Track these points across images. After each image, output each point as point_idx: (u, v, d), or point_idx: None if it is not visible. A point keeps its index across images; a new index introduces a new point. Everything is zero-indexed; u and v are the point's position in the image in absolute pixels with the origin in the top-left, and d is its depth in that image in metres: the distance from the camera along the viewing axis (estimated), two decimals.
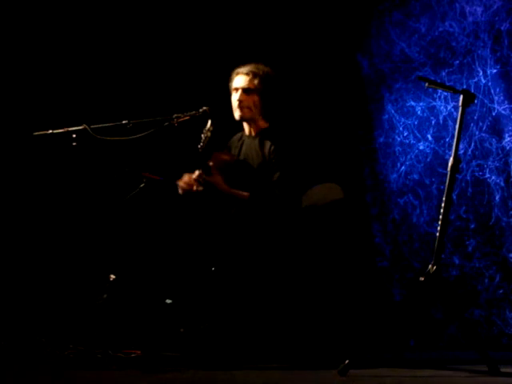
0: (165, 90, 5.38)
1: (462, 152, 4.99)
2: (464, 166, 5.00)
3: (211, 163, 4.16)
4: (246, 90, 4.26)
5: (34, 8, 5.29)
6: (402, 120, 5.32)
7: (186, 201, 4.27)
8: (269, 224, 4.11)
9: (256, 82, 4.26)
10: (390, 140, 5.37)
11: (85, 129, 4.15)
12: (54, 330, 4.46)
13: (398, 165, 5.33)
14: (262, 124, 4.33)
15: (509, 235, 4.86)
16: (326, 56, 5.45)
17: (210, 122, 4.14)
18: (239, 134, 4.46)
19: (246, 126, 4.38)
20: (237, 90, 4.28)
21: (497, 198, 4.92)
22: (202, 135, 4.14)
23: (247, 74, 4.28)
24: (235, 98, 4.28)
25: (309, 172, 4.34)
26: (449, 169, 3.64)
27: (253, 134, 4.36)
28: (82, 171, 5.16)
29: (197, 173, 4.15)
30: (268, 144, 4.25)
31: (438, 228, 3.62)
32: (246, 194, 4.17)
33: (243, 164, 4.31)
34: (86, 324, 4.28)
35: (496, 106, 4.92)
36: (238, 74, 4.31)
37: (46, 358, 3.96)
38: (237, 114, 4.30)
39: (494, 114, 4.93)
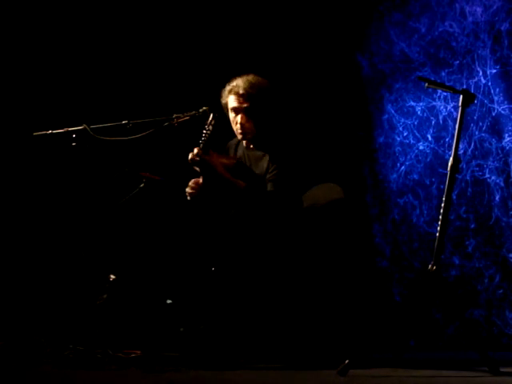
0: (165, 89, 5.38)
1: (461, 152, 4.99)
2: (464, 166, 5.00)
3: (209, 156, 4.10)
4: (246, 112, 4.14)
5: (33, 8, 5.29)
6: (402, 120, 5.32)
7: (191, 203, 4.23)
8: (269, 224, 4.10)
9: (252, 101, 4.12)
10: (390, 140, 5.37)
11: (85, 129, 4.15)
12: (53, 329, 4.46)
13: (398, 165, 5.33)
14: (261, 135, 4.27)
15: (509, 235, 4.86)
16: (325, 56, 5.45)
17: (211, 116, 4.08)
18: (236, 140, 4.39)
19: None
20: (235, 111, 4.17)
21: (497, 198, 4.92)
22: (204, 130, 4.08)
23: (238, 94, 4.14)
24: (236, 119, 4.18)
25: (308, 172, 4.32)
26: (449, 169, 3.64)
27: (251, 146, 4.31)
28: (81, 171, 5.16)
29: (195, 150, 4.05)
30: (267, 156, 4.22)
31: (438, 228, 3.62)
32: (242, 183, 4.14)
33: (242, 168, 4.28)
34: (86, 324, 4.28)
35: (496, 106, 4.92)
36: (230, 92, 4.18)
37: (46, 357, 3.96)
38: (240, 137, 4.23)
39: (493, 114, 4.93)
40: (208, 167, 4.06)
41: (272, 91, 4.21)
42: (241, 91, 4.15)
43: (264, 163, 4.21)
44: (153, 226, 4.96)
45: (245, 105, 4.15)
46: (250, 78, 4.20)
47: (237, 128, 4.20)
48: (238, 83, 4.18)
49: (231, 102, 4.19)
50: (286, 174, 4.13)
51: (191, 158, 4.06)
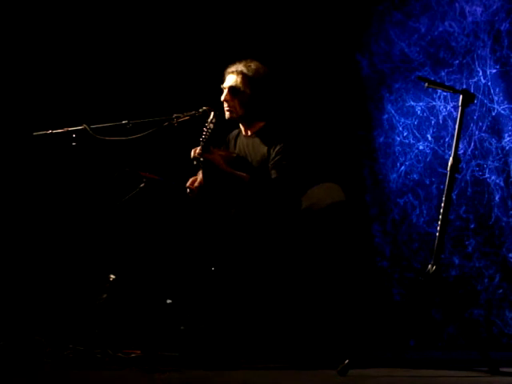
0: (165, 89, 5.38)
1: (461, 152, 4.99)
2: (464, 166, 5.00)
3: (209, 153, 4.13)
4: (231, 90, 4.21)
5: (33, 8, 5.29)
6: (402, 120, 5.32)
7: (189, 199, 4.24)
8: (269, 224, 4.10)
9: (243, 80, 4.19)
10: (390, 140, 5.37)
11: (85, 129, 4.15)
12: (53, 329, 4.46)
13: (398, 165, 5.33)
14: (258, 123, 4.30)
15: (508, 235, 4.86)
16: (325, 56, 5.45)
17: (212, 114, 4.11)
18: (236, 132, 4.43)
19: (241, 125, 4.37)
20: (224, 88, 4.25)
21: (496, 197, 4.92)
22: (204, 128, 4.10)
23: (233, 72, 4.23)
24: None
25: (308, 168, 4.32)
26: (448, 169, 3.64)
27: (249, 133, 4.34)
28: (81, 171, 5.16)
29: (197, 149, 4.11)
30: (265, 143, 4.23)
31: (438, 228, 3.62)
32: (245, 175, 4.15)
33: (242, 161, 4.29)
34: (86, 324, 4.28)
35: (496, 105, 4.92)
36: (228, 73, 4.27)
37: (46, 357, 3.96)
38: (227, 115, 4.27)
39: (493, 113, 4.93)
40: (211, 165, 4.09)
41: (268, 79, 4.25)
42: (233, 69, 4.23)
43: (263, 149, 4.22)
44: (153, 226, 4.96)
45: (232, 83, 4.21)
46: (249, 61, 4.26)
47: (224, 106, 4.25)
48: (236, 65, 4.26)
49: (226, 81, 4.26)
50: (289, 160, 4.14)
51: (193, 157, 4.08)
